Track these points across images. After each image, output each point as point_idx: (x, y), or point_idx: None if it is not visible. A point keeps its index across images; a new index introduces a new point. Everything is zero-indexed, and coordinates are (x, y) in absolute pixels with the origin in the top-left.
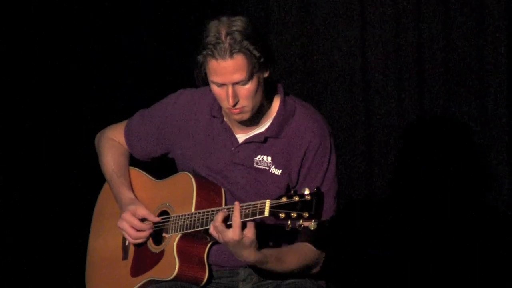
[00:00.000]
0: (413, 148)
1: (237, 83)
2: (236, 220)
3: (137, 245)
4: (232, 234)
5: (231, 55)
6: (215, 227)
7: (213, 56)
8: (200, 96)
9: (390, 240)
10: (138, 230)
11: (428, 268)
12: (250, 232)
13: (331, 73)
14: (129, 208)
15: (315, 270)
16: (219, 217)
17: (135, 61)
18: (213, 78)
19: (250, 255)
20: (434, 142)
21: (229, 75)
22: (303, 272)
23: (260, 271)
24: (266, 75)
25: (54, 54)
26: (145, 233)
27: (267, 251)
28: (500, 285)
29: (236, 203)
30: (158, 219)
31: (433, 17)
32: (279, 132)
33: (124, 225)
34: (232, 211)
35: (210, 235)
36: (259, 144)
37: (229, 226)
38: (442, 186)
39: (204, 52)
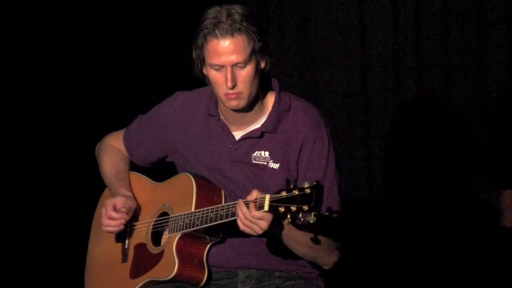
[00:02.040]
0: (413, 147)
1: (236, 64)
2: (256, 214)
3: (136, 247)
4: (264, 225)
5: (232, 34)
6: (246, 218)
7: (214, 35)
8: (196, 97)
9: (389, 239)
10: (109, 218)
11: (428, 268)
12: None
13: (330, 73)
14: (114, 198)
15: (333, 259)
16: (253, 210)
17: (133, 67)
18: (213, 60)
19: (280, 225)
20: (434, 141)
21: (228, 55)
22: (319, 254)
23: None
24: (263, 65)
25: (54, 58)
26: (115, 222)
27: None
28: (500, 285)
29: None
30: (125, 211)
31: (433, 16)
32: (275, 127)
33: (101, 210)
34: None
35: (210, 234)
36: (256, 139)
37: None
38: (442, 185)
39: (205, 31)
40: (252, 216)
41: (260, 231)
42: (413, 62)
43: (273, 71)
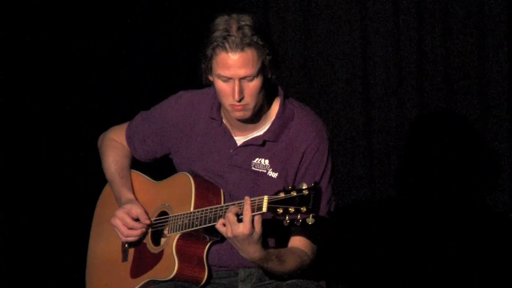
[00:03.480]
0: (414, 149)
1: (244, 78)
2: (247, 214)
3: (136, 247)
4: (243, 228)
5: (242, 49)
6: (227, 217)
7: (224, 49)
8: (199, 98)
9: (390, 240)
10: (129, 228)
11: (428, 268)
12: (258, 227)
13: (331, 74)
14: (124, 206)
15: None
16: (233, 210)
17: (136, 63)
18: (221, 72)
19: (255, 251)
20: (434, 143)
21: (237, 69)
22: (298, 274)
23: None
24: (269, 75)
25: (55, 55)
26: (137, 232)
27: (270, 250)
28: (500, 285)
29: (246, 198)
30: (149, 221)
31: (434, 17)
32: (278, 136)
33: (116, 222)
34: (243, 205)
35: (209, 234)
36: (257, 147)
37: (238, 221)
38: (443, 186)
39: (215, 43)
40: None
41: (230, 235)
42: (415, 65)
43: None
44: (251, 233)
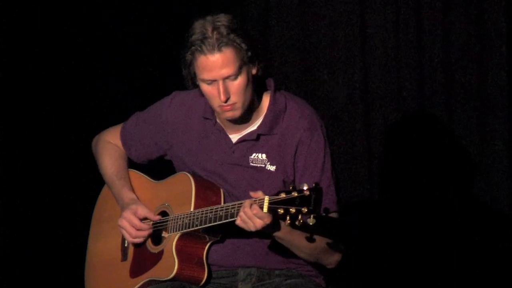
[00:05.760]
0: (413, 149)
1: (227, 77)
2: (258, 212)
3: (136, 246)
4: (259, 224)
5: (219, 49)
6: (245, 213)
7: (202, 52)
8: (193, 98)
9: (390, 240)
10: (137, 230)
11: (428, 268)
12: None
13: (330, 73)
14: (130, 207)
15: (336, 258)
16: (247, 203)
17: (130, 64)
18: (203, 75)
19: (278, 228)
20: (434, 143)
21: (218, 69)
22: (320, 256)
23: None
24: (254, 71)
25: (52, 57)
26: (144, 233)
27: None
28: (500, 285)
29: (247, 200)
30: (158, 217)
31: (433, 16)
32: (271, 129)
33: (124, 223)
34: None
35: (209, 234)
36: (252, 142)
37: None
38: (442, 186)
39: (193, 48)
40: (255, 214)
41: (253, 229)
42: (414, 61)
43: (273, 72)
44: (271, 221)
